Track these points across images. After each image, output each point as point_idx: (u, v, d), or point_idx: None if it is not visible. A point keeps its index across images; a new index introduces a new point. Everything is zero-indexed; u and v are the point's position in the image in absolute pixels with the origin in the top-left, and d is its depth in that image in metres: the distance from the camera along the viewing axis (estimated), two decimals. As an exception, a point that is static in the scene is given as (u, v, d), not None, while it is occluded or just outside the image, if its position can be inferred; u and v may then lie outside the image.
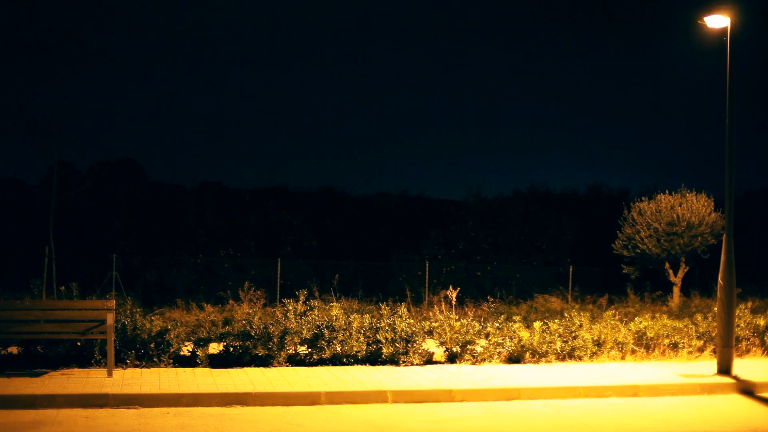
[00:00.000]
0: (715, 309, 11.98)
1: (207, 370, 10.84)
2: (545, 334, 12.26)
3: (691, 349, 12.76)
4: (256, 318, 11.54)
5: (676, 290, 23.06)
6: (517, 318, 12.70)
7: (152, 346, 11.02)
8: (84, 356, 10.89)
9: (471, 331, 12.15)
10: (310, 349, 11.48)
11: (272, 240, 27.58)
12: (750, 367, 12.15)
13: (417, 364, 11.59)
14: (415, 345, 11.71)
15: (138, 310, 11.76)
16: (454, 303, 13.48)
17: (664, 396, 10.39)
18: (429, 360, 11.81)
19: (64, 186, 21.29)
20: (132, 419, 8.62)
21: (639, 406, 9.83)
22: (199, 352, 11.11)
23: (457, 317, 12.37)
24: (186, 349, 11.26)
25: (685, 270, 23.31)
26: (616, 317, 13.24)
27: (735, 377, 11.14)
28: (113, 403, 9.14)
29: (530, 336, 12.14)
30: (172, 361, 11.04)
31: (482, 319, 13.48)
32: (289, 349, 11.42)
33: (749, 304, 14.93)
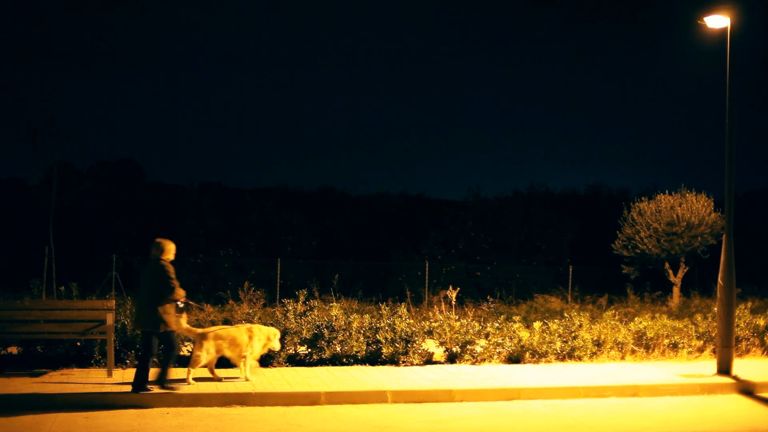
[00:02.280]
0: (715, 309, 11.97)
1: (206, 370, 10.81)
2: (545, 334, 12.25)
3: (690, 349, 12.76)
4: (255, 318, 11.54)
5: (675, 290, 23.05)
6: (516, 318, 12.70)
7: (152, 346, 11.00)
8: (84, 356, 10.89)
9: (471, 331, 12.15)
10: (310, 349, 11.48)
11: (272, 240, 27.58)
12: (750, 367, 12.15)
13: (417, 364, 11.59)
14: (414, 345, 11.71)
15: (138, 310, 11.74)
16: (453, 303, 13.48)
17: (663, 396, 10.39)
18: (429, 360, 11.81)
19: (64, 186, 21.28)
20: (132, 419, 8.62)
21: (639, 406, 9.83)
22: (198, 352, 11.09)
23: (456, 317, 12.36)
24: (186, 349, 11.25)
25: (685, 270, 23.30)
26: (616, 317, 13.23)
27: (735, 377, 11.14)
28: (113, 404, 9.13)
29: (530, 336, 12.14)
30: (171, 361, 11.03)
31: (482, 319, 13.48)
32: (289, 349, 11.41)
33: (749, 304, 14.93)
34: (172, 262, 9.69)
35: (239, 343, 10.29)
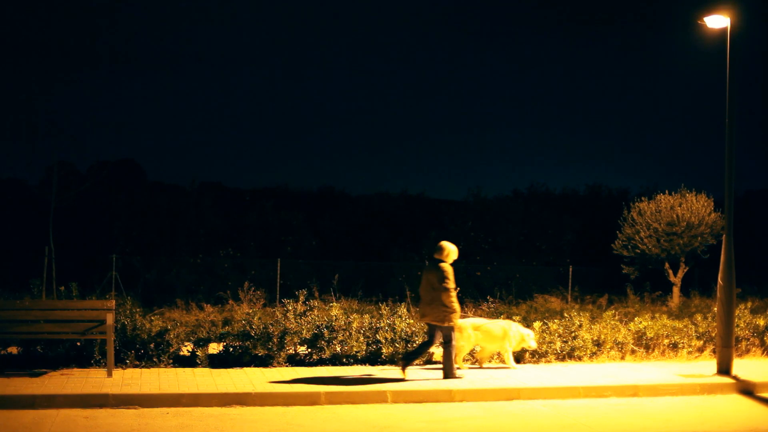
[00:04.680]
0: (715, 309, 11.97)
1: (207, 370, 10.84)
2: (545, 334, 12.25)
3: (690, 349, 12.76)
4: (255, 318, 11.54)
5: (675, 290, 23.05)
6: (516, 318, 12.69)
7: (152, 346, 11.01)
8: (84, 356, 10.89)
9: (471, 331, 12.14)
10: (309, 349, 11.48)
11: (272, 240, 27.58)
12: (750, 367, 12.15)
13: (417, 364, 11.58)
14: (415, 345, 11.69)
15: (138, 310, 11.75)
16: (453, 303, 13.45)
17: (663, 396, 10.39)
18: (429, 360, 11.81)
19: (64, 186, 21.28)
20: (132, 419, 8.62)
21: (639, 406, 9.83)
22: (198, 352, 11.10)
23: (457, 317, 12.35)
24: (186, 349, 11.26)
25: (685, 270, 23.30)
26: (616, 317, 13.22)
27: (735, 377, 11.14)
28: (113, 403, 9.14)
29: (530, 336, 12.13)
30: (171, 361, 11.04)
31: (482, 319, 13.46)
32: (288, 349, 11.41)
33: (749, 304, 14.90)
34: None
35: (494, 336, 11.43)
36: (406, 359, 10.61)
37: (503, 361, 11.60)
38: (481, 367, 11.55)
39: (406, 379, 10.39)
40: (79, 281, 12.61)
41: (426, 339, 10.89)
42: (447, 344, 10.60)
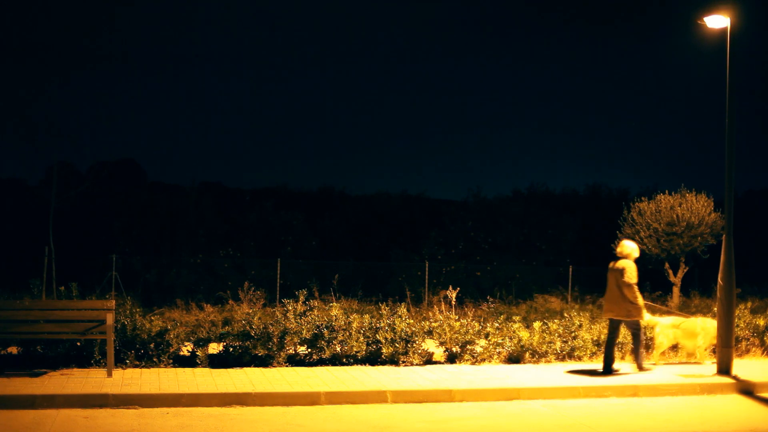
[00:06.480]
0: (715, 309, 11.97)
1: (207, 370, 10.84)
2: (545, 334, 12.25)
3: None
4: (255, 318, 11.54)
5: (675, 290, 23.04)
6: (516, 318, 12.69)
7: (152, 346, 11.01)
8: (84, 356, 10.89)
9: (471, 331, 12.15)
10: (309, 349, 11.48)
11: (272, 240, 27.56)
12: (750, 367, 12.15)
13: (417, 364, 11.59)
14: (414, 345, 11.70)
15: (138, 310, 11.76)
16: (453, 303, 13.47)
17: (663, 396, 10.39)
18: (429, 360, 11.81)
19: (64, 186, 21.30)
20: (132, 419, 8.62)
21: (639, 406, 9.83)
22: (198, 352, 11.10)
23: (456, 317, 12.36)
24: (186, 350, 11.26)
25: (685, 270, 23.29)
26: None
27: (735, 377, 11.14)
28: (113, 403, 9.14)
29: (530, 336, 12.14)
30: (171, 361, 11.04)
31: (482, 319, 13.47)
32: (288, 350, 11.41)
33: (749, 304, 14.90)
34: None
35: (691, 333, 12.11)
36: (606, 362, 11.18)
37: (692, 356, 12.28)
38: (680, 363, 12.12)
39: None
40: (79, 281, 12.61)
41: (608, 335, 11.43)
42: (636, 338, 11.27)
